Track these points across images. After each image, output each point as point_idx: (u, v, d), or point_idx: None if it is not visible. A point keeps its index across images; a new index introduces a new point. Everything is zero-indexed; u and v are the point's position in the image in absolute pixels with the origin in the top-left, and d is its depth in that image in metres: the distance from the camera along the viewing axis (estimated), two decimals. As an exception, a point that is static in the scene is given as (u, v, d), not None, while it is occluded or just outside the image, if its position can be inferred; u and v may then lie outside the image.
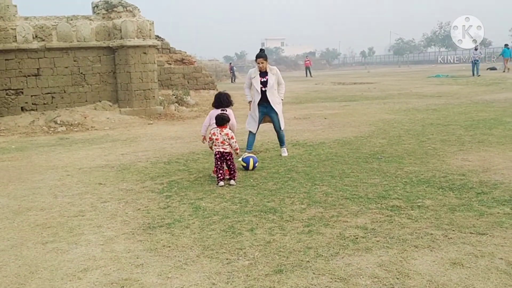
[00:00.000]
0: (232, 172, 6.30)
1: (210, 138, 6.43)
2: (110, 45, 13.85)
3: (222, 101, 6.72)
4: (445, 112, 12.62)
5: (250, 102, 7.96)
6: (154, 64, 14.28)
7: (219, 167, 6.25)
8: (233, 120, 6.64)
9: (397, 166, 6.77)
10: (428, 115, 12.17)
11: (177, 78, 20.18)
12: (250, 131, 7.97)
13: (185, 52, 21.22)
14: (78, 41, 13.64)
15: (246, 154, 7.19)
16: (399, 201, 5.17)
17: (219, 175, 6.26)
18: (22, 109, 13.29)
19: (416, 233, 4.19)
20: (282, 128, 7.96)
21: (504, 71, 30.41)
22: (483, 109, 12.82)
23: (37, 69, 13.36)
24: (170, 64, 20.30)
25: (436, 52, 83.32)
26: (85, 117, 13.18)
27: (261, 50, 7.90)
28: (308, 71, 45.02)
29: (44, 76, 13.42)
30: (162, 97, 15.82)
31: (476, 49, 29.84)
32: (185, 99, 16.52)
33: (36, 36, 13.22)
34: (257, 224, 4.60)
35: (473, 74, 28.03)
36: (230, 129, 6.53)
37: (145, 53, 13.91)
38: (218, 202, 5.42)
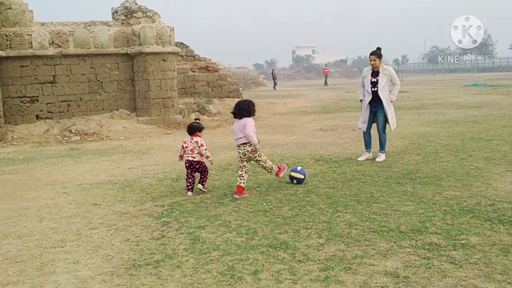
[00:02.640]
0: (202, 177, 6.17)
1: (181, 146, 6.27)
2: (129, 52, 13.30)
3: (242, 109, 5.99)
4: (486, 124, 11.50)
5: (361, 100, 7.94)
6: (173, 72, 13.66)
7: (189, 175, 6.11)
8: (248, 130, 5.86)
9: (435, 190, 5.83)
10: (468, 128, 11.08)
11: (201, 85, 19.57)
12: (363, 130, 7.99)
13: (210, 59, 20.61)
14: (95, 47, 13.15)
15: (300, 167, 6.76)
16: (438, 236, 4.26)
17: (188, 184, 6.11)
18: (37, 117, 12.85)
19: (461, 285, 3.28)
20: (392, 129, 7.94)
21: None
22: (529, 121, 11.64)
23: (53, 76, 12.93)
24: (194, 71, 19.72)
25: (472, 60, 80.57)
26: (101, 126, 12.65)
27: (378, 48, 7.76)
28: (325, 79, 44.07)
29: (60, 83, 12.97)
30: (183, 106, 15.19)
31: None
32: (207, 108, 15.84)
33: (52, 42, 12.79)
34: (263, 265, 3.77)
35: None
36: (247, 139, 5.88)
37: (164, 60, 13.30)
38: (221, 232, 4.62)
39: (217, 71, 20.37)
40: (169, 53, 13.38)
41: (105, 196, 6.24)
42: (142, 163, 8.50)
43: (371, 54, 7.62)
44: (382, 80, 7.55)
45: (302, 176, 6.46)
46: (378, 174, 6.81)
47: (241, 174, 6.00)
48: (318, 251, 4.04)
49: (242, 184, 5.95)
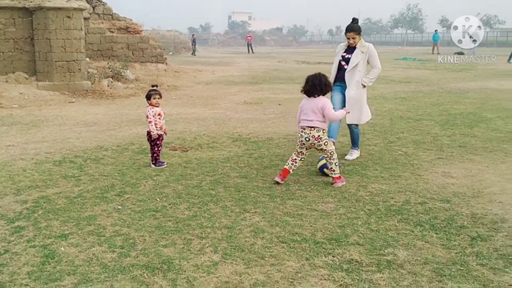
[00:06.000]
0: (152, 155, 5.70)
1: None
2: (27, 6, 11.46)
3: (317, 84, 4.87)
4: (415, 102, 11.03)
5: None
6: (80, 31, 11.99)
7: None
8: (331, 113, 4.84)
9: (359, 182, 5.07)
10: (397, 105, 10.55)
11: (120, 48, 17.79)
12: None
13: (131, 20, 18.81)
14: (-14, -2, 11.22)
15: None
16: (359, 249, 3.45)
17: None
18: None
19: (386, 334, 2.46)
20: (355, 122, 6.06)
21: (432, 53, 33.98)
22: (458, 100, 11.30)
23: None
24: (112, 32, 17.90)
25: (402, 34, 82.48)
26: (-8, 91, 10.89)
27: (354, 20, 5.98)
28: (250, 47, 42.25)
29: None
30: (94, 70, 13.58)
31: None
32: (122, 73, 14.30)
33: None
34: (128, 301, 2.77)
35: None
36: (330, 121, 5.05)
37: (69, 17, 11.59)
38: (88, 244, 3.54)
39: (138, 33, 18.64)
40: (75, 9, 11.66)
41: (-44, 186, 4.92)
42: (26, 139, 7.12)
43: (349, 30, 5.83)
44: (355, 57, 5.83)
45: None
46: (298, 159, 5.95)
47: (295, 159, 5.02)
48: (209, 275, 3.09)
49: (288, 168, 5.00)
